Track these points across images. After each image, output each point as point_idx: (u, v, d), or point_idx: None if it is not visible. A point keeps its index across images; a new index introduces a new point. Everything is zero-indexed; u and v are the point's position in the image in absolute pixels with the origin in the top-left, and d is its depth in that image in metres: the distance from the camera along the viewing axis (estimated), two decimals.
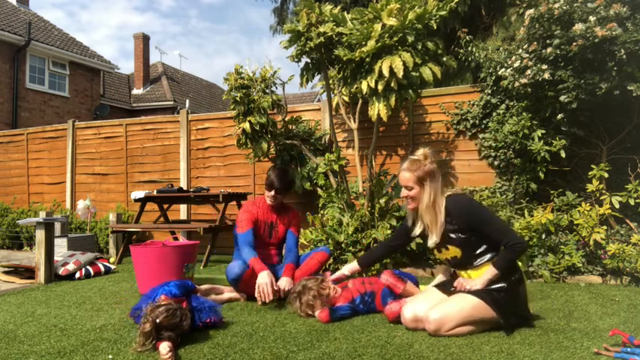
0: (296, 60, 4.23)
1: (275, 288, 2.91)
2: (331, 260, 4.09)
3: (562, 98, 3.65)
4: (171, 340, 2.16)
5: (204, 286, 3.25)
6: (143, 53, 17.73)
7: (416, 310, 2.38)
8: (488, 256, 2.39)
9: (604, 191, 3.76)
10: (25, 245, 6.60)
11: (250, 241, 3.18)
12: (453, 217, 2.39)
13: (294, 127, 5.13)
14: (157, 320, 2.17)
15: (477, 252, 2.40)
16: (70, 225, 6.16)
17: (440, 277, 2.73)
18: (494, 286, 2.32)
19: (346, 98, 5.02)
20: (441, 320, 2.25)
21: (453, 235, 2.40)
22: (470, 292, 2.33)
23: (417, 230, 2.54)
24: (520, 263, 3.17)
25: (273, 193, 3.27)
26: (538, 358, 1.98)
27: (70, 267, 4.20)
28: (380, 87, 3.67)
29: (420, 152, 2.47)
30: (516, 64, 3.90)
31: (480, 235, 2.37)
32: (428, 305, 2.35)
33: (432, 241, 2.44)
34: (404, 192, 2.49)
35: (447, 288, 2.51)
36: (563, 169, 4.12)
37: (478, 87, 4.80)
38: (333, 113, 4.85)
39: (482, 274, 2.36)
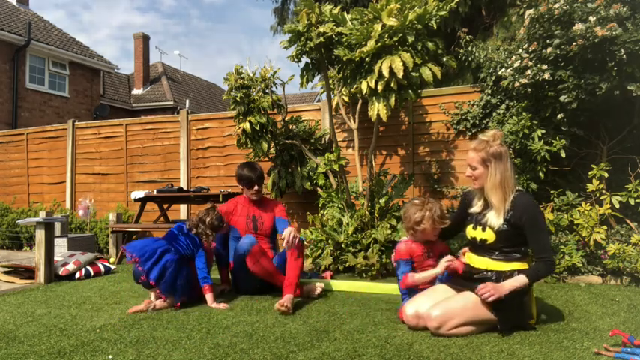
0: (296, 60, 4.23)
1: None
2: (331, 260, 4.09)
3: (562, 98, 3.65)
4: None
5: None
6: (143, 53, 17.74)
7: (418, 307, 2.38)
8: (513, 255, 2.38)
9: (604, 191, 3.76)
10: (25, 245, 6.61)
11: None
12: (512, 209, 2.37)
13: (294, 127, 5.13)
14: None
15: (507, 249, 2.39)
16: (70, 225, 6.16)
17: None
18: None
19: (346, 98, 5.02)
20: (443, 317, 2.25)
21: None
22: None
23: (477, 208, 2.52)
24: None
25: (256, 187, 3.38)
26: (538, 358, 1.98)
27: (70, 267, 4.20)
28: (380, 87, 3.67)
29: (490, 133, 2.45)
30: (516, 64, 3.89)
31: (522, 237, 2.36)
32: (430, 302, 2.35)
33: (497, 222, 2.38)
34: (468, 171, 2.49)
35: (456, 284, 2.48)
36: (564, 169, 4.11)
37: (478, 87, 4.80)
38: (333, 113, 4.84)
39: (511, 280, 2.29)
